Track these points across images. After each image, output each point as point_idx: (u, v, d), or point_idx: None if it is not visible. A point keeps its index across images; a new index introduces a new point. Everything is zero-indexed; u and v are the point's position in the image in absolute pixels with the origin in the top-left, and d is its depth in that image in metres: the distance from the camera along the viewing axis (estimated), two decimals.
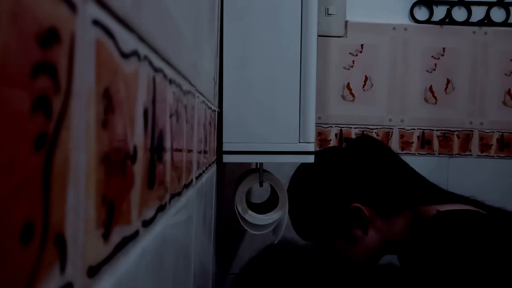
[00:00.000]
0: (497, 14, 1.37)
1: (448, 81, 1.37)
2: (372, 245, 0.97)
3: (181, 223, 0.42)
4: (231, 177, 1.18)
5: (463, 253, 0.81)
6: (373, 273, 1.10)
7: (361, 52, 1.35)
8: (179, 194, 0.40)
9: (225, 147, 0.82)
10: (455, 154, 1.38)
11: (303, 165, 1.04)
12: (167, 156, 0.34)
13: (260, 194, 1.12)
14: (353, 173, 0.98)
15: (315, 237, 1.04)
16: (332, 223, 0.98)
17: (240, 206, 0.91)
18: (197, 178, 0.52)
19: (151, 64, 0.28)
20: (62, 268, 0.17)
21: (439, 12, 1.36)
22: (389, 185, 0.98)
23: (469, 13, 1.36)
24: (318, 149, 1.33)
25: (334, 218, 0.97)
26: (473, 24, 1.36)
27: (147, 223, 0.29)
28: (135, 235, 0.26)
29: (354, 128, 1.36)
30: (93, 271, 0.20)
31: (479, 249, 0.81)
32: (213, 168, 0.76)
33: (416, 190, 0.99)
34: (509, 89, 1.37)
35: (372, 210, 0.95)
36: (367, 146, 1.03)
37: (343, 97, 1.36)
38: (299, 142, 0.83)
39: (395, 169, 1.02)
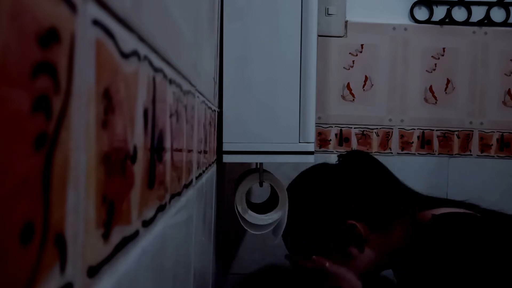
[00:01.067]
0: (497, 14, 1.37)
1: (448, 81, 1.37)
2: (369, 262, 0.96)
3: (181, 223, 0.42)
4: (231, 177, 1.18)
5: (461, 256, 0.81)
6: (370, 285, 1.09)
7: (361, 52, 1.35)
8: (179, 194, 0.40)
9: (225, 147, 0.82)
10: (455, 154, 1.38)
11: (297, 180, 1.04)
12: (167, 156, 0.34)
13: (260, 194, 1.12)
14: (348, 190, 0.98)
15: (309, 255, 1.04)
16: (328, 241, 0.98)
17: (240, 206, 0.91)
18: (197, 178, 0.52)
19: (151, 64, 0.28)
20: (62, 268, 0.17)
21: (439, 12, 1.36)
22: (382, 201, 0.97)
23: (469, 13, 1.36)
24: (318, 149, 1.33)
25: (330, 236, 0.97)
26: (473, 24, 1.36)
27: (147, 223, 0.29)
28: (135, 235, 0.26)
29: (354, 128, 1.36)
30: (93, 271, 0.20)
31: (476, 252, 0.81)
32: (213, 168, 0.76)
33: (411, 200, 0.98)
34: (509, 89, 1.37)
35: (366, 227, 0.95)
36: (358, 162, 1.03)
37: (343, 97, 1.36)
38: (299, 142, 0.83)
39: (387, 184, 1.01)
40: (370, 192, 0.97)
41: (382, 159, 1.06)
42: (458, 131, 1.37)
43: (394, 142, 1.37)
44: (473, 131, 1.38)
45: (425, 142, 1.37)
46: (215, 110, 0.75)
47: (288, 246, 1.05)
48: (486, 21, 1.36)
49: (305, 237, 1.00)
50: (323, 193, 0.99)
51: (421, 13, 1.36)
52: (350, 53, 1.35)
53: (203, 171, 0.59)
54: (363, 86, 1.36)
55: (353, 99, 1.36)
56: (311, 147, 0.83)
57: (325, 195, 0.98)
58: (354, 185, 0.98)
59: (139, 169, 0.26)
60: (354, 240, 0.95)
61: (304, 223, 0.99)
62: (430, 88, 1.37)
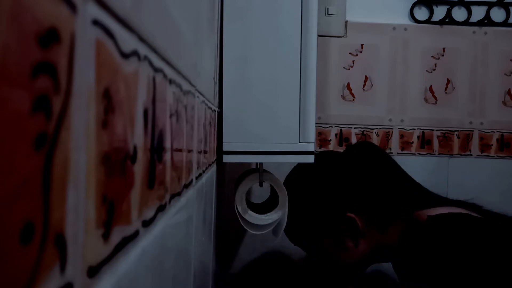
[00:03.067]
0: (497, 14, 1.37)
1: (448, 81, 1.37)
2: (361, 256, 0.97)
3: (181, 223, 0.42)
4: (231, 177, 1.18)
5: (455, 258, 0.81)
6: (366, 282, 1.10)
7: (361, 52, 1.35)
8: (179, 194, 0.40)
9: (225, 147, 0.82)
10: (455, 154, 1.38)
11: (300, 166, 1.04)
12: (167, 156, 0.34)
13: (260, 194, 1.12)
14: (352, 182, 0.98)
15: (305, 241, 1.04)
16: (325, 229, 0.98)
17: (240, 206, 0.91)
18: (197, 178, 0.52)
19: (151, 64, 0.28)
20: (62, 268, 0.17)
21: (439, 12, 1.36)
22: (386, 198, 0.97)
23: (469, 13, 1.36)
24: (318, 149, 1.33)
25: (327, 224, 0.97)
26: (473, 24, 1.36)
27: (147, 223, 0.29)
28: (135, 235, 0.26)
29: (354, 128, 1.36)
30: (93, 271, 0.20)
31: (470, 254, 0.81)
32: (213, 168, 0.76)
33: (412, 200, 0.98)
34: (509, 89, 1.37)
35: (365, 221, 0.95)
36: (366, 153, 1.03)
37: (343, 97, 1.36)
38: (299, 142, 0.83)
39: (393, 179, 1.01)
40: (372, 187, 0.97)
41: None
42: (458, 131, 1.37)
43: (394, 142, 1.37)
44: (473, 131, 1.38)
45: (425, 142, 1.37)
46: (215, 110, 0.75)
47: (286, 227, 1.04)
48: (486, 21, 1.36)
49: (306, 221, 1.00)
50: (326, 181, 0.99)
51: (421, 13, 1.36)
52: (350, 53, 1.35)
53: (203, 171, 0.59)
54: (363, 86, 1.36)
55: (353, 99, 1.36)
56: (311, 147, 0.83)
57: (328, 184, 0.98)
58: (358, 177, 0.98)
59: (139, 169, 0.26)
60: (351, 233, 0.95)
61: (304, 208, 0.99)
62: (430, 88, 1.37)
